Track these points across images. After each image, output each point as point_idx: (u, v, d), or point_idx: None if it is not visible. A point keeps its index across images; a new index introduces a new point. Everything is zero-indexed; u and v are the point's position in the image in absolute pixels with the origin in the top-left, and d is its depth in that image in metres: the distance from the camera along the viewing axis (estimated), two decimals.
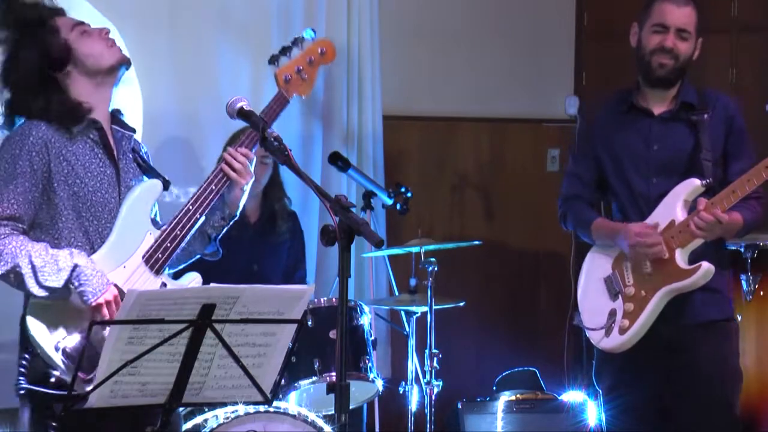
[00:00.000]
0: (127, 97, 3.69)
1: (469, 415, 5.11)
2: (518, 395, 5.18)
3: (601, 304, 4.09)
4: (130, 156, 3.50)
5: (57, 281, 3.20)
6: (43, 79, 3.37)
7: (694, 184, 3.96)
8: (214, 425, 4.00)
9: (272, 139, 3.24)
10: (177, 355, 2.91)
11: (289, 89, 3.63)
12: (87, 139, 3.39)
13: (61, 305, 3.24)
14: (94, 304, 3.20)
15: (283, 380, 3.83)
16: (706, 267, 3.89)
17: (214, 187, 3.47)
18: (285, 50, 3.67)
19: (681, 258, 3.93)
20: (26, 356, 3.25)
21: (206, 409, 4.03)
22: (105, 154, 3.42)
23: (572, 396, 5.18)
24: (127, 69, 3.48)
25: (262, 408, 3.99)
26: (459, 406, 5.14)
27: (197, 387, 2.99)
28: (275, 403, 4.03)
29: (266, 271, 4.92)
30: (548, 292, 6.41)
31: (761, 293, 4.85)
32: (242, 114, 3.39)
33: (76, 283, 3.20)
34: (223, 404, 3.79)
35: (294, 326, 3.03)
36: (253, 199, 4.97)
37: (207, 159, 5.27)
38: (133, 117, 3.94)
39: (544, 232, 6.37)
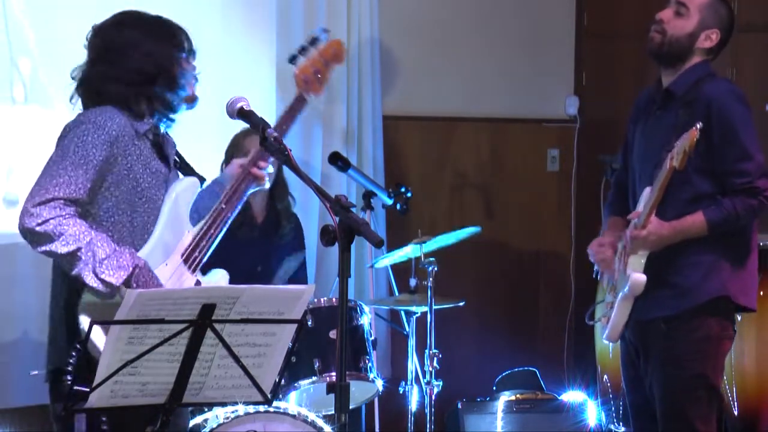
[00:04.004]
0: None
1: (469, 415, 5.10)
2: (518, 395, 5.18)
3: (607, 297, 4.09)
4: (173, 161, 3.57)
5: (114, 278, 3.19)
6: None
7: (646, 193, 3.89)
8: (214, 425, 3.99)
9: (272, 140, 3.25)
10: (177, 355, 2.91)
11: (308, 90, 3.73)
12: (147, 139, 3.43)
13: (113, 305, 3.22)
14: None
15: (283, 380, 3.83)
16: (633, 278, 3.82)
17: (243, 186, 3.54)
18: (303, 50, 3.77)
19: (631, 265, 3.85)
20: (73, 354, 3.20)
21: (206, 409, 4.03)
22: (159, 153, 3.46)
23: (572, 396, 5.18)
24: (189, 108, 3.53)
25: (262, 408, 3.98)
26: (459, 406, 5.14)
27: (197, 387, 2.99)
28: (275, 403, 4.03)
29: (270, 272, 4.92)
30: (548, 292, 6.41)
31: (761, 293, 4.84)
32: (242, 114, 3.41)
33: (134, 285, 3.21)
34: (223, 404, 3.78)
35: (294, 326, 3.03)
36: (260, 199, 4.98)
37: (207, 158, 5.27)
38: None
39: (544, 232, 6.38)
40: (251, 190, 3.58)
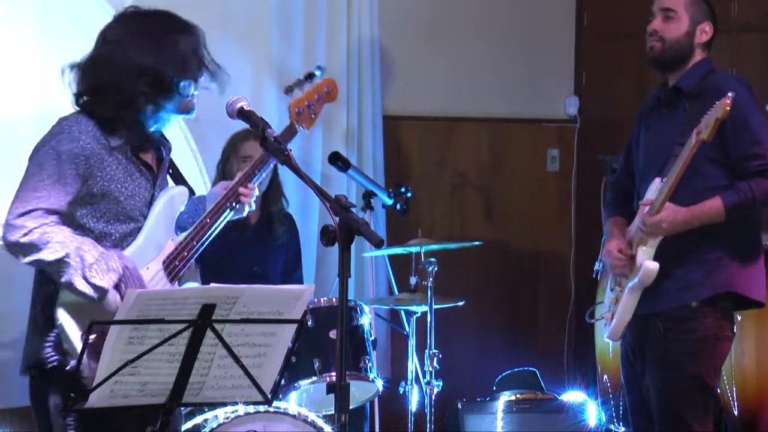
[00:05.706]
0: None
1: (469, 415, 5.11)
2: (518, 395, 5.18)
3: (609, 294, 4.08)
4: (166, 165, 3.55)
5: (104, 281, 3.18)
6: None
7: (656, 184, 3.88)
8: (214, 425, 3.99)
9: (272, 140, 3.26)
10: (177, 355, 2.91)
11: (299, 121, 3.75)
12: (128, 148, 3.38)
13: (92, 303, 3.22)
14: None
15: (283, 380, 3.83)
16: (646, 266, 3.81)
17: (229, 204, 3.52)
18: (299, 83, 3.81)
19: (641, 255, 3.84)
20: (51, 336, 3.22)
21: (206, 409, 4.03)
22: (145, 162, 3.42)
23: (572, 396, 5.18)
24: (187, 116, 3.52)
25: (262, 408, 3.98)
26: (459, 406, 5.14)
27: (197, 387, 2.99)
28: (275, 403, 4.03)
29: (266, 272, 4.92)
30: (548, 292, 6.41)
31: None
32: (242, 114, 3.41)
33: (123, 287, 3.20)
34: (223, 404, 3.79)
35: (294, 326, 3.03)
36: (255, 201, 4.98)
37: (206, 159, 5.27)
38: None
39: (544, 232, 6.38)
40: (228, 216, 3.54)
